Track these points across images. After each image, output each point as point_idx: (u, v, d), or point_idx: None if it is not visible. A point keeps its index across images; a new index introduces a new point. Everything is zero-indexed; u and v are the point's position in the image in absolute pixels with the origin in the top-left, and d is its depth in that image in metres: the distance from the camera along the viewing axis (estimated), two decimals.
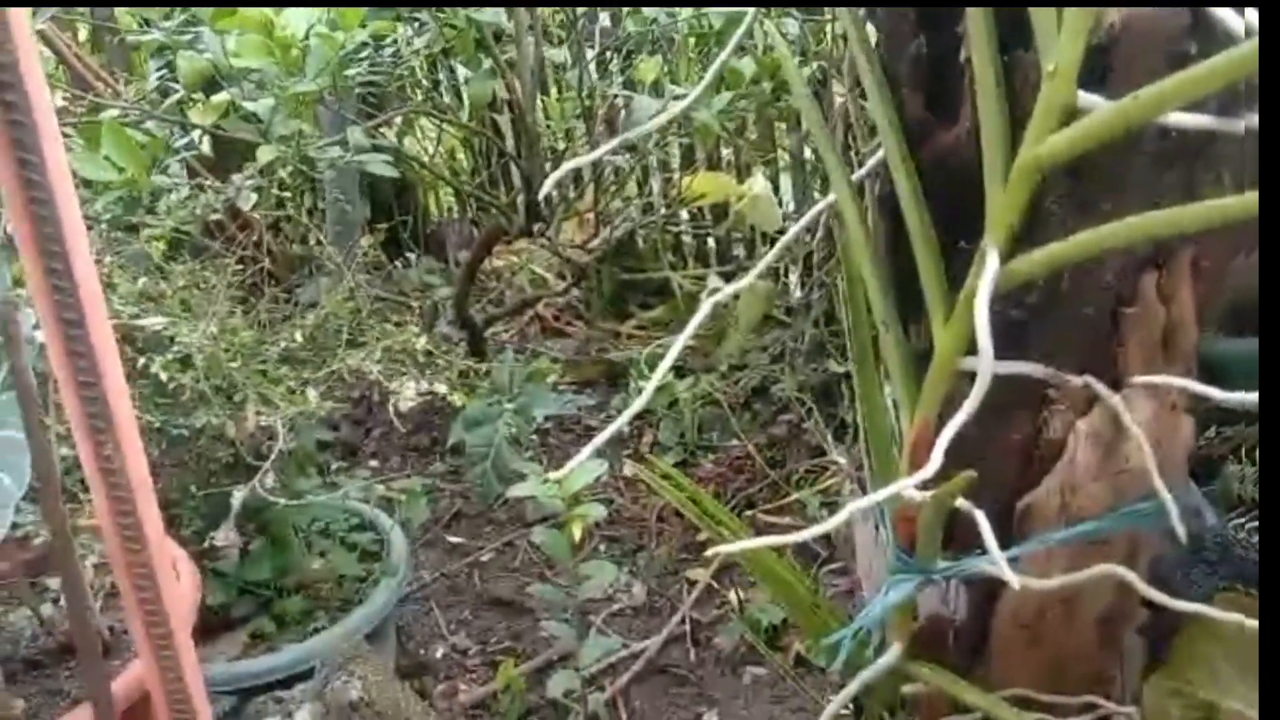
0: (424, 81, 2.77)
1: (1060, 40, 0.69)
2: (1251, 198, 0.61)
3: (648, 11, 2.02)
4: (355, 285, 1.59)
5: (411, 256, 2.93)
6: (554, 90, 2.87)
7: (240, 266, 1.71)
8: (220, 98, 1.67)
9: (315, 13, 1.55)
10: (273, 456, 1.30)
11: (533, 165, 2.30)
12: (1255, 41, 0.64)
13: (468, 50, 2.11)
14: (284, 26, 1.44)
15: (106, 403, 0.76)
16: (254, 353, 1.33)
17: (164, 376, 1.23)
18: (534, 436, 2.55)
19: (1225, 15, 0.67)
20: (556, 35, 2.57)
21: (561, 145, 2.72)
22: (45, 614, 1.13)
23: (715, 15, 1.95)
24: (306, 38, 1.49)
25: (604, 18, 2.57)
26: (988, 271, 0.71)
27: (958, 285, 0.77)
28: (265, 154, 1.54)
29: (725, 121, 2.05)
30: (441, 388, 1.45)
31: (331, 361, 1.39)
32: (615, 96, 2.35)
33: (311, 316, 1.54)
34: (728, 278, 2.90)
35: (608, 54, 2.48)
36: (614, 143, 1.32)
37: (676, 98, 1.96)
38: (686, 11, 1.99)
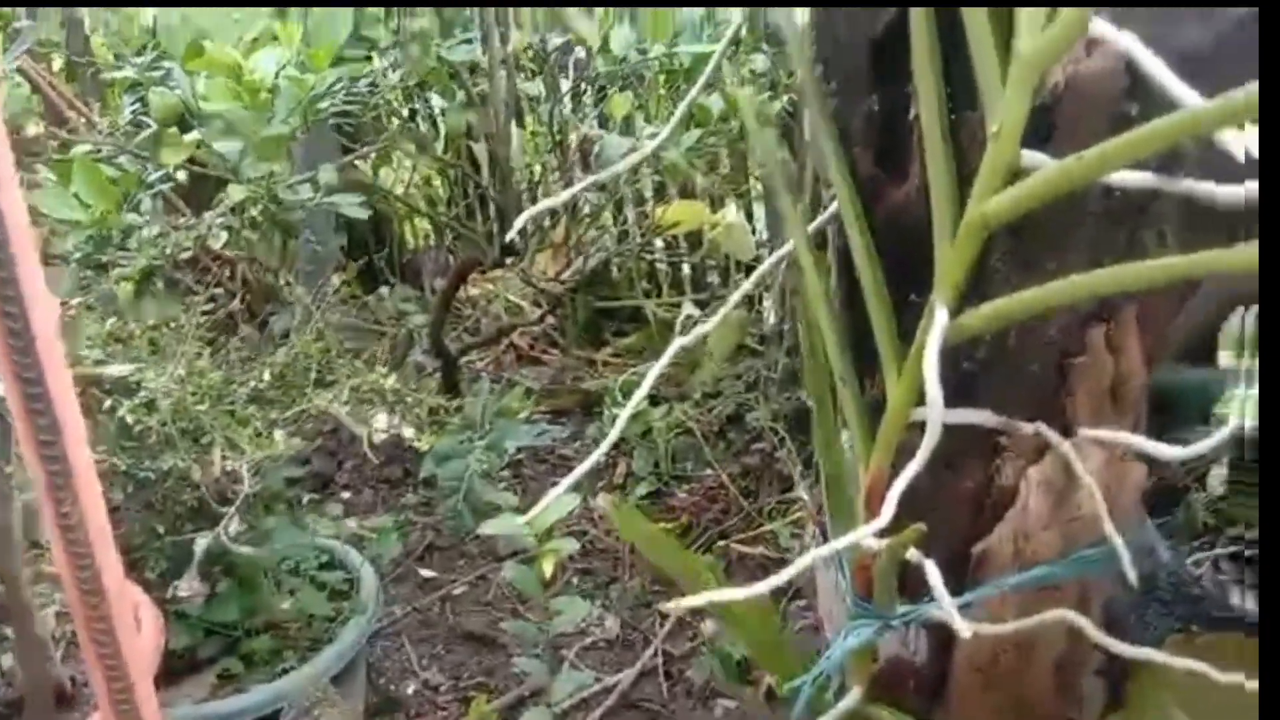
0: (400, 111, 2.77)
1: (1005, 100, 0.70)
2: (1194, 258, 0.62)
3: (617, 49, 2.04)
4: (324, 325, 1.59)
5: (385, 290, 2.94)
6: (529, 121, 2.88)
7: (212, 303, 1.71)
8: (192, 136, 1.67)
9: (286, 51, 1.56)
10: (238, 502, 1.29)
11: (507, 198, 2.31)
12: (1193, 106, 0.67)
13: (442, 81, 2.13)
14: (252, 70, 1.44)
15: (65, 459, 0.77)
16: (221, 394, 1.32)
17: (130, 420, 1.23)
18: (506, 469, 2.55)
19: (1165, 79, 0.69)
20: (529, 69, 2.59)
21: (535, 177, 2.74)
22: (5, 665, 1.12)
23: (684, 54, 1.97)
24: (277, 78, 1.50)
25: (579, 49, 2.59)
26: (936, 326, 0.73)
27: (910, 338, 0.78)
28: (236, 193, 1.54)
29: (695, 159, 2.06)
30: (409, 432, 1.46)
31: (300, 401, 1.39)
32: (587, 132, 2.37)
33: (281, 353, 1.54)
34: (702, 305, 2.91)
35: (582, 86, 2.50)
36: (585, 183, 1.34)
37: (649, 136, 1.97)
38: (656, 49, 2.01)
